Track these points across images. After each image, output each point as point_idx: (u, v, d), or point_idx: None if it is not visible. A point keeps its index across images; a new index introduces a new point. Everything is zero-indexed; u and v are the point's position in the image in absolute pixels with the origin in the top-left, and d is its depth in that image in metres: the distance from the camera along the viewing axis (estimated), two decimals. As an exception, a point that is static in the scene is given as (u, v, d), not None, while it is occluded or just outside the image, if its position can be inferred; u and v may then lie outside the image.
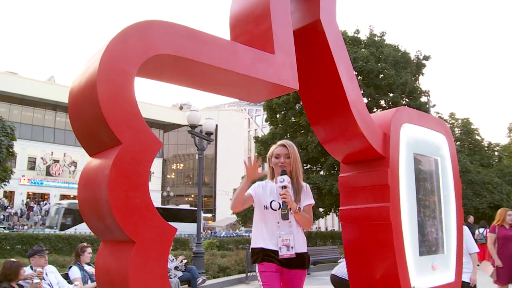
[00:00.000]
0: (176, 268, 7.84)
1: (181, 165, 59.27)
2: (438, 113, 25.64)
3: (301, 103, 20.22)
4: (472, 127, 25.64)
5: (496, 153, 27.40)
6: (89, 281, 5.22)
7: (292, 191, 2.87)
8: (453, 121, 26.28)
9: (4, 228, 25.78)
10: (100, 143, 1.89)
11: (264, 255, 2.81)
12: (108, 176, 1.70)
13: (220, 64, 2.13)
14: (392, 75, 19.22)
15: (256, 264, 2.86)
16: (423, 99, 21.87)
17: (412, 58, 21.25)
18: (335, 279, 4.75)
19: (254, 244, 2.91)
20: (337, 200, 19.83)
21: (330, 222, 57.83)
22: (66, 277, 5.23)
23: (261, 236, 2.87)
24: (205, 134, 12.06)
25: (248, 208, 3.63)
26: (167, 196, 38.82)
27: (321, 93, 2.88)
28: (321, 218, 23.51)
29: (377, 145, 2.97)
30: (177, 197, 52.85)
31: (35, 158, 40.92)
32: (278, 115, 21.21)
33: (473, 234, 7.61)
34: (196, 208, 22.01)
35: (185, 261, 8.27)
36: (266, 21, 2.44)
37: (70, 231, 19.27)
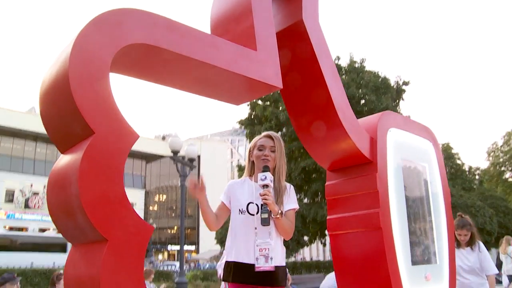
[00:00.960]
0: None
1: (164, 196, 58.31)
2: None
3: (284, 130, 20.35)
4: (453, 151, 26.07)
5: (477, 177, 27.78)
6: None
7: (273, 192, 2.47)
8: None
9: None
10: (72, 136, 1.74)
11: (236, 270, 2.40)
12: (79, 167, 1.55)
13: (200, 57, 2.03)
14: (373, 101, 19.53)
15: (226, 283, 2.48)
16: (404, 124, 22.14)
17: (392, 84, 21.68)
18: None
19: (227, 256, 2.52)
20: (322, 228, 19.62)
21: (315, 252, 57.07)
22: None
23: (235, 246, 2.47)
24: (188, 160, 11.90)
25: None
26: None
27: (306, 95, 2.80)
28: (306, 247, 23.13)
29: (364, 149, 2.88)
30: (159, 230, 51.60)
31: (14, 191, 39.65)
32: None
33: None
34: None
35: (167, 289, 7.94)
36: (248, 19, 2.38)
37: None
